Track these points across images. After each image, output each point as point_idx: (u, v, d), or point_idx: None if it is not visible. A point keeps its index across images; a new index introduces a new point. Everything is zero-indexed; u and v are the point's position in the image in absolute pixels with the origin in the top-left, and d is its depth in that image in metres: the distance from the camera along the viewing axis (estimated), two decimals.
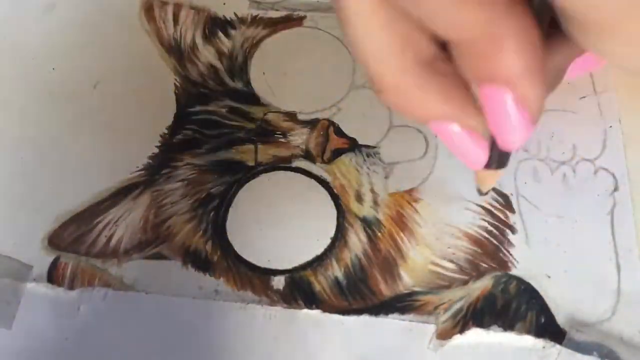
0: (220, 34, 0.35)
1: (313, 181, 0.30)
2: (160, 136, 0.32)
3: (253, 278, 0.28)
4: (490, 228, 0.29)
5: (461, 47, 0.16)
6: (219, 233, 0.29)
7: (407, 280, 0.28)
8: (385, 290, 0.28)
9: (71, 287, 0.28)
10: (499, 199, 0.29)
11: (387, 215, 0.29)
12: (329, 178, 0.30)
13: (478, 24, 0.15)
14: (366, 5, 0.17)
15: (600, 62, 0.24)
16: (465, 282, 0.28)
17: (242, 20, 0.36)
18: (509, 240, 0.28)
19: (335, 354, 0.26)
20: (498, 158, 0.20)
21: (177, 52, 0.35)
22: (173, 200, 0.30)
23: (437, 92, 0.18)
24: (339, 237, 0.29)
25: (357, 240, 0.29)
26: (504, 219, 0.29)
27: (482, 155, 0.20)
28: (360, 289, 0.28)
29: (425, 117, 0.19)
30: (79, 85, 0.34)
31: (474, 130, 0.19)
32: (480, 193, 0.26)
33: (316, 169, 0.30)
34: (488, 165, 0.21)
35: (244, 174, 0.30)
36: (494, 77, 0.16)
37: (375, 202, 0.29)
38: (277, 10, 0.36)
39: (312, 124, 0.31)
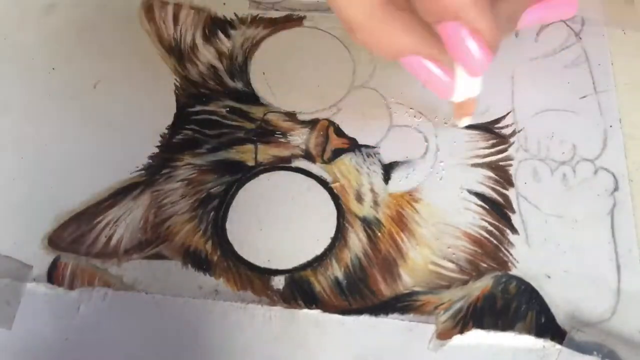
0: (220, 34, 0.35)
1: (313, 181, 0.30)
2: (160, 136, 0.32)
3: (253, 278, 0.28)
4: (490, 228, 0.29)
5: None
6: (218, 233, 0.29)
7: (407, 280, 0.28)
8: (385, 290, 0.28)
9: (71, 287, 0.28)
10: (499, 199, 0.29)
11: (387, 215, 0.29)
12: (329, 178, 0.30)
13: None
14: None
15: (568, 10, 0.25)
16: (465, 282, 0.28)
17: (242, 20, 0.36)
18: (509, 240, 0.28)
19: (335, 354, 0.26)
20: (465, 85, 0.23)
21: (177, 52, 0.35)
22: (173, 200, 0.30)
23: (401, 27, 0.21)
24: (339, 237, 0.29)
25: (357, 240, 0.29)
26: (504, 219, 0.29)
27: (450, 83, 0.23)
28: (360, 289, 0.28)
29: (393, 51, 0.21)
30: (79, 85, 0.34)
31: (438, 60, 0.22)
32: (459, 125, 0.29)
33: (316, 169, 0.30)
34: (458, 93, 0.23)
35: (244, 174, 0.30)
36: (445, 13, 0.19)
37: (375, 202, 0.29)
38: (277, 10, 0.36)
39: (312, 124, 0.31)
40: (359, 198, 0.29)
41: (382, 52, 0.21)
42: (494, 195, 0.29)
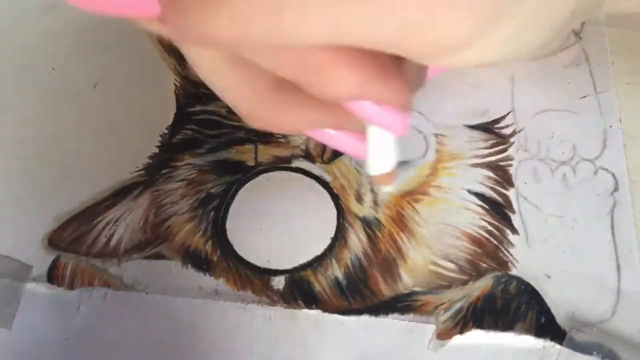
0: None
1: (313, 181, 0.30)
2: (160, 136, 0.32)
3: (253, 278, 0.28)
4: (490, 228, 0.29)
5: (297, 82, 0.17)
6: (218, 233, 0.29)
7: (407, 280, 0.28)
8: (385, 290, 0.28)
9: (71, 287, 0.28)
10: (499, 199, 0.29)
11: (387, 215, 0.29)
12: (329, 178, 0.30)
13: (297, 63, 0.16)
14: (208, 56, 0.18)
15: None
16: (465, 282, 0.28)
17: None
18: (509, 240, 0.28)
19: (335, 354, 0.26)
20: (377, 159, 0.21)
21: (177, 52, 0.35)
22: (173, 200, 0.30)
23: (296, 106, 0.19)
24: (339, 237, 0.29)
25: (357, 240, 0.29)
26: (504, 219, 0.29)
27: (360, 145, 0.21)
28: (360, 289, 0.28)
29: (293, 129, 0.19)
30: (79, 85, 0.34)
31: (345, 127, 0.20)
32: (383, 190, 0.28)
33: (316, 169, 0.30)
34: (370, 155, 0.21)
35: (244, 174, 0.30)
36: (336, 98, 0.17)
37: (375, 202, 0.29)
38: None
39: None
40: (359, 198, 0.29)
41: (281, 131, 0.20)
42: (494, 195, 0.29)
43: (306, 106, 0.19)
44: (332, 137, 0.20)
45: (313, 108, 0.19)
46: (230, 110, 0.32)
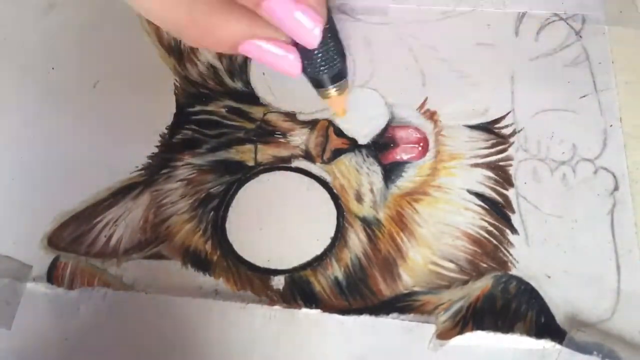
0: None
1: (313, 181, 0.30)
2: (160, 136, 0.32)
3: (253, 278, 0.28)
4: (490, 228, 0.29)
5: None
6: (218, 233, 0.29)
7: (407, 280, 0.28)
8: (385, 290, 0.28)
9: (71, 287, 0.28)
10: (499, 199, 0.29)
11: (387, 215, 0.29)
12: (329, 178, 0.30)
13: None
14: None
15: None
16: (465, 282, 0.28)
17: None
18: (508, 240, 0.28)
19: (335, 354, 0.26)
20: (307, 59, 0.23)
21: (177, 52, 0.35)
22: (173, 200, 0.30)
23: (228, 16, 0.21)
24: (339, 237, 0.29)
25: (357, 240, 0.29)
26: (504, 219, 0.29)
27: (294, 59, 0.23)
28: (360, 289, 0.28)
29: (228, 42, 0.21)
30: (78, 84, 0.34)
31: (276, 39, 0.22)
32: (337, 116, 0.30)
33: (316, 169, 0.30)
34: (304, 70, 0.24)
35: (243, 173, 0.30)
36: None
37: (375, 202, 0.29)
38: None
39: (312, 124, 0.31)
40: (359, 198, 0.29)
41: (218, 46, 0.22)
42: (494, 195, 0.29)
43: (239, 16, 0.21)
44: (264, 49, 0.22)
45: (246, 18, 0.21)
46: (230, 110, 0.32)
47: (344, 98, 0.26)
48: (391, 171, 0.30)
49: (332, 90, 0.26)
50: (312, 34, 0.21)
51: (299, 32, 0.21)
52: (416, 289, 0.28)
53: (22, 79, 0.35)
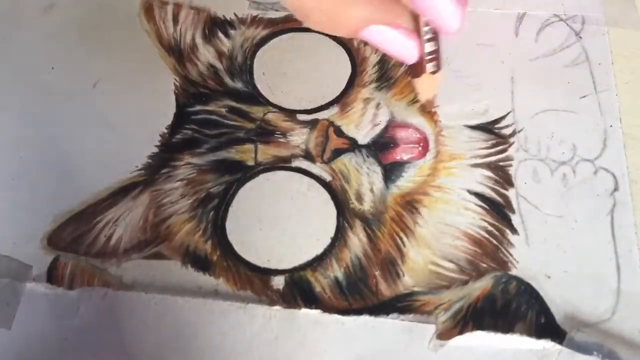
0: (220, 34, 0.35)
1: (313, 181, 0.30)
2: (160, 136, 0.32)
3: (253, 278, 0.28)
4: (490, 228, 0.29)
5: None
6: (218, 233, 0.29)
7: (407, 280, 0.28)
8: (385, 290, 0.28)
9: (71, 287, 0.28)
10: (499, 199, 0.29)
11: (387, 215, 0.29)
12: (329, 178, 0.30)
13: None
14: None
15: None
16: (465, 282, 0.27)
17: (242, 21, 0.36)
18: (508, 240, 0.28)
19: (335, 354, 0.26)
20: (431, 50, 0.23)
21: (177, 52, 0.35)
22: (172, 200, 0.30)
23: (352, 2, 0.20)
24: (339, 237, 0.29)
25: (357, 240, 0.29)
26: (504, 219, 0.29)
27: (414, 47, 0.22)
28: (360, 289, 0.28)
29: (352, 26, 0.21)
30: (78, 84, 0.34)
31: (397, 24, 0.21)
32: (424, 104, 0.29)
33: (316, 169, 0.30)
34: (422, 60, 0.23)
35: (243, 173, 0.30)
36: None
37: (375, 202, 0.29)
38: (276, 10, 0.36)
39: (312, 124, 0.31)
40: (359, 198, 0.29)
41: (341, 31, 0.21)
42: (494, 196, 0.29)
43: (367, 2, 0.20)
44: (385, 34, 0.21)
45: (372, 3, 0.20)
46: (230, 110, 0.32)
47: (438, 77, 0.26)
48: (391, 171, 0.30)
49: (430, 66, 0.24)
50: (453, 18, 0.20)
51: (439, 13, 0.20)
52: (416, 289, 0.28)
53: (21, 78, 0.35)
